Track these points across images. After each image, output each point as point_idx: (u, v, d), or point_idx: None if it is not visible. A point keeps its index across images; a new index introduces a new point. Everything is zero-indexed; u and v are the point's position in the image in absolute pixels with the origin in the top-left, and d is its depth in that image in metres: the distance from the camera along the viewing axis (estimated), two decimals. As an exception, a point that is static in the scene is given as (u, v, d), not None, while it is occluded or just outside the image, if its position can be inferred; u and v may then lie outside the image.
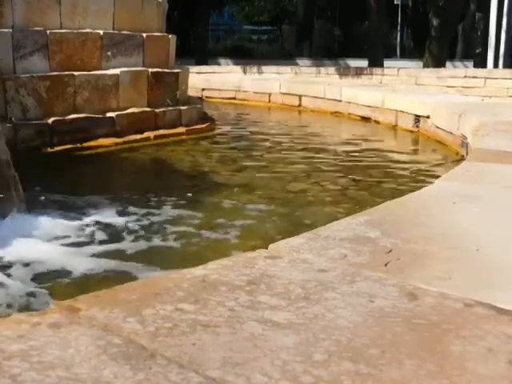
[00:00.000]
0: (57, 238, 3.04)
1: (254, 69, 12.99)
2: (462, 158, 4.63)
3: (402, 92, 8.69)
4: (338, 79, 11.63)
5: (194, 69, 10.47)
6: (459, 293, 1.46)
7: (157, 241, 3.09)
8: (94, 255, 2.85)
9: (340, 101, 9.04)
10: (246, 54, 22.79)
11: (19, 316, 1.28)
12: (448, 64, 16.35)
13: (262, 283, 1.48)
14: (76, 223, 3.27)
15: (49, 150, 5.39)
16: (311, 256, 1.70)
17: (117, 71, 6.24)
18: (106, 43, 6.27)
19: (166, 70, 6.88)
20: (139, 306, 1.33)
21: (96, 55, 6.18)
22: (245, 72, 12.95)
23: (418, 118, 7.20)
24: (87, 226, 3.26)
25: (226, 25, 31.64)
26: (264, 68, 12.91)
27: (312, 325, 1.27)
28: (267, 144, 6.53)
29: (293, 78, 11.87)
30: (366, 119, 8.35)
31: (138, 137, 6.13)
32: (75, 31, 6.05)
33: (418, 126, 7.20)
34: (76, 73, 5.89)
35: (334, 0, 23.77)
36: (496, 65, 14.59)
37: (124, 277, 2.56)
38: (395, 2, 23.91)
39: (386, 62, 15.84)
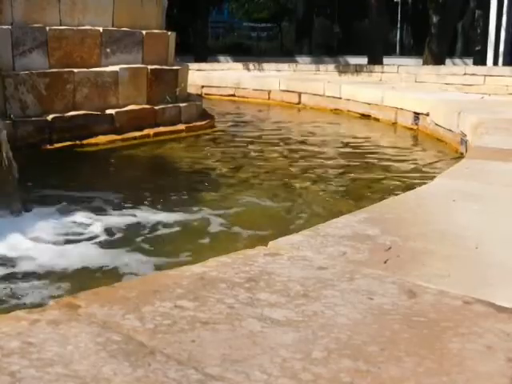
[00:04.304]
0: (55, 234, 3.04)
1: (254, 66, 12.98)
2: (462, 156, 4.63)
3: (401, 89, 8.68)
4: (338, 76, 11.63)
5: (193, 66, 10.46)
6: (458, 290, 1.46)
7: (155, 237, 3.09)
8: (92, 252, 2.85)
9: (339, 98, 9.03)
10: (245, 52, 22.77)
11: (18, 313, 1.28)
12: (447, 61, 16.34)
13: (261, 280, 1.48)
14: (75, 220, 3.27)
15: (48, 146, 5.38)
16: (310, 253, 1.70)
17: (116, 68, 6.23)
18: (106, 40, 6.26)
19: (165, 67, 6.87)
20: (138, 303, 1.33)
21: (95, 52, 6.18)
22: (244, 69, 12.94)
23: (417, 115, 7.20)
24: (86, 222, 3.26)
25: (226, 22, 31.57)
26: (263, 65, 12.90)
27: (311, 322, 1.27)
28: (266, 141, 6.53)
29: (292, 75, 11.86)
30: (365, 116, 8.34)
31: (137, 134, 6.12)
32: (75, 28, 6.04)
33: (417, 124, 7.20)
34: (75, 70, 5.89)
35: (333, -3, 23.78)
36: (496, 62, 14.60)
37: (124, 274, 2.56)
38: (395, 0, 23.89)
39: (386, 60, 15.82)
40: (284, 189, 4.26)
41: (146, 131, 6.24)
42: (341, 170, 5.00)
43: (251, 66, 13.01)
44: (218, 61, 18.54)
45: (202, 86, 11.02)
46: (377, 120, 8.06)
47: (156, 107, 6.52)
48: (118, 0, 6.51)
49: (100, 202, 3.68)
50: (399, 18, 25.32)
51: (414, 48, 22.97)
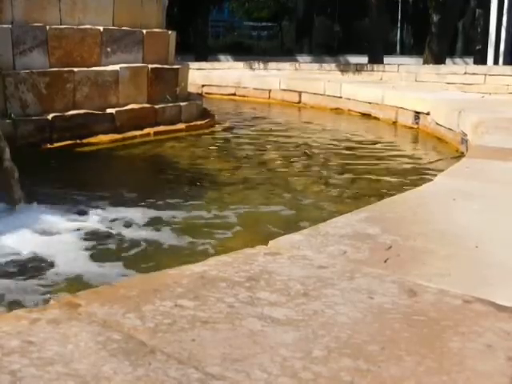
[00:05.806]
0: (54, 233, 3.04)
1: (254, 65, 12.99)
2: (462, 155, 4.63)
3: (401, 89, 8.69)
4: (338, 76, 11.62)
5: (193, 65, 10.45)
6: (458, 289, 1.46)
7: (155, 238, 3.09)
8: (92, 252, 2.85)
9: (340, 97, 9.03)
10: (245, 51, 22.77)
11: (19, 312, 1.28)
12: (448, 60, 16.35)
13: (261, 279, 1.48)
14: (74, 219, 3.27)
15: (48, 146, 5.38)
16: (311, 252, 1.70)
17: (116, 67, 6.23)
18: (106, 39, 6.26)
19: (165, 67, 6.87)
20: (139, 302, 1.33)
21: (96, 51, 6.17)
22: (245, 68, 12.94)
23: (417, 114, 7.20)
24: (85, 222, 3.26)
25: (226, 21, 31.57)
26: (264, 64, 12.90)
27: (311, 321, 1.27)
28: (266, 140, 6.53)
29: (293, 74, 11.86)
30: (365, 115, 8.34)
31: (137, 133, 6.12)
32: (75, 27, 6.04)
33: (417, 123, 7.20)
34: (75, 69, 5.88)
35: (334, -4, 23.77)
36: (496, 61, 14.59)
37: (123, 274, 2.56)
38: (395, -1, 23.88)
39: (386, 59, 15.83)
40: (284, 188, 4.26)
41: (146, 130, 6.24)
42: (341, 170, 5.00)
43: (252, 65, 13.01)
44: (218, 60, 18.55)
45: (203, 85, 11.02)
46: (377, 119, 8.06)
47: (156, 106, 6.52)
48: (118, -1, 6.52)
49: (100, 201, 3.68)
50: (399, 18, 25.33)
51: (414, 47, 22.98)
